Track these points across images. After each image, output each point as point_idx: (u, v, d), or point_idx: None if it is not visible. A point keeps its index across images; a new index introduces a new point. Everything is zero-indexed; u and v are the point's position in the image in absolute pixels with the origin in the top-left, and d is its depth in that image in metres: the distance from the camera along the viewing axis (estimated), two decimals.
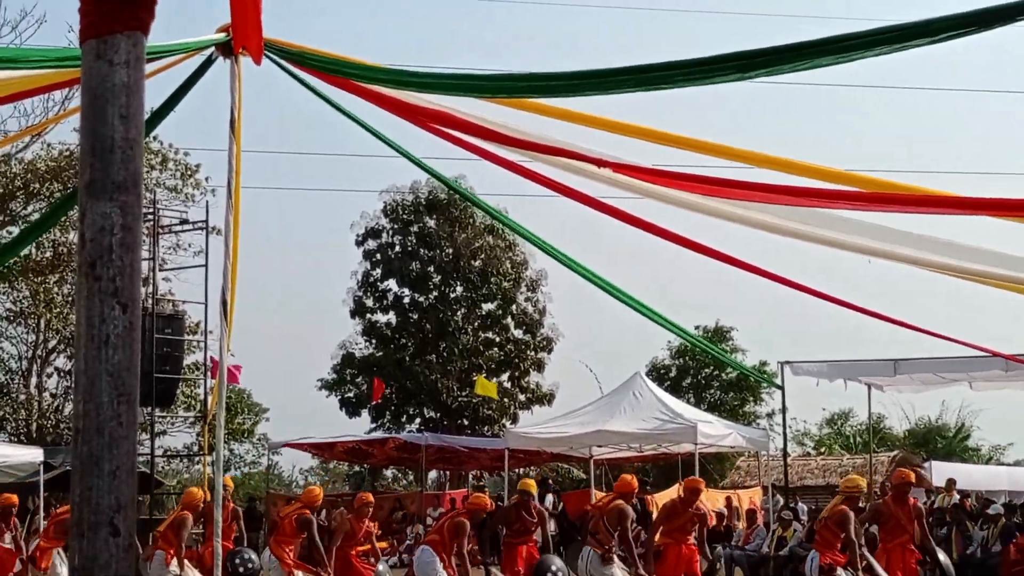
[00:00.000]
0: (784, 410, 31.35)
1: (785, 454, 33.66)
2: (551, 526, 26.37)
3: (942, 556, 17.09)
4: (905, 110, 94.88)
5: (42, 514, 26.41)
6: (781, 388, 29.76)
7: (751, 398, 60.12)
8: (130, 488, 2.45)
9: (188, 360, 39.08)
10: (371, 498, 20.10)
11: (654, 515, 26.36)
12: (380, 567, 18.84)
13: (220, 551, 17.49)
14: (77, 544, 2.45)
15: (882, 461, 40.35)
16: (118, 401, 2.45)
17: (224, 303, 17.79)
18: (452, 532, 16.90)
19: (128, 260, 2.47)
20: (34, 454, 31.16)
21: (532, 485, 19.25)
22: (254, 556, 19.40)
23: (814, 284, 14.27)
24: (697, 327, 57.12)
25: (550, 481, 38.05)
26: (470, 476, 48.28)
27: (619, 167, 10.42)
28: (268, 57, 10.32)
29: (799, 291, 14.40)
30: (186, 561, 18.48)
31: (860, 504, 16.73)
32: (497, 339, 54.05)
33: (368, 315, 54.22)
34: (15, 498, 21.02)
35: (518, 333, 54.37)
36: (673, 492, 30.01)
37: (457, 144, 12.38)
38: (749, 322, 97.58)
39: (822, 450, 58.37)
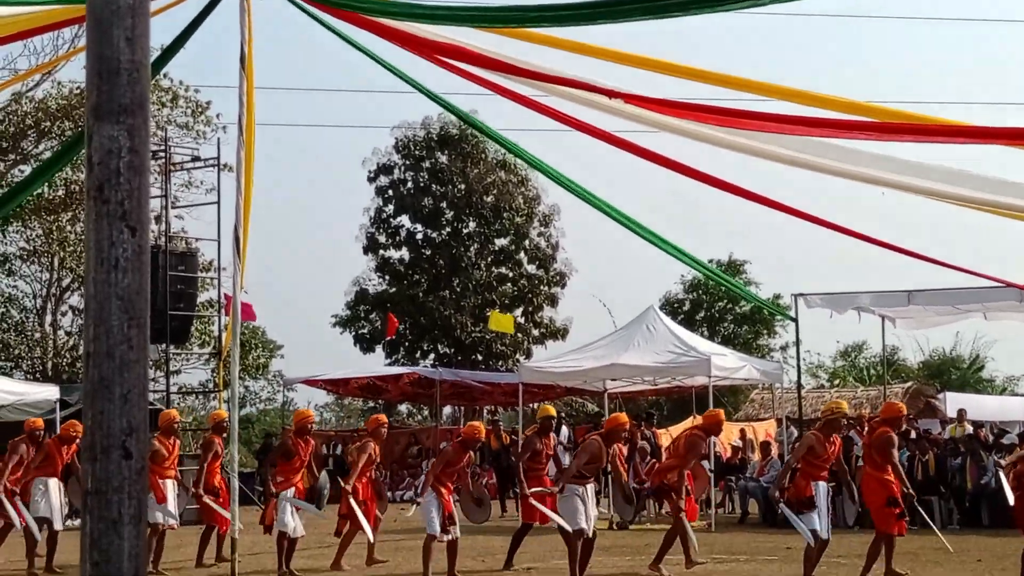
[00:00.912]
0: (798, 342, 31.33)
1: (799, 386, 33.66)
2: (565, 459, 26.47)
3: None
4: (935, 42, 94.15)
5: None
6: (795, 320, 29.71)
7: (765, 331, 60.13)
8: (142, 411, 2.44)
9: (202, 298, 39.11)
10: (385, 419, 20.14)
11: (663, 448, 26.52)
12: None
13: (236, 485, 17.64)
14: (90, 467, 2.45)
15: (896, 393, 40.34)
16: (128, 325, 2.44)
17: (237, 239, 17.83)
18: (443, 463, 17.12)
19: (136, 183, 2.46)
20: (50, 391, 31.31)
21: (552, 410, 19.22)
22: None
23: (828, 217, 14.25)
24: (711, 260, 57.01)
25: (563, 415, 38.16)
26: (484, 411, 48.42)
27: (631, 98, 10.38)
28: None
29: (813, 223, 14.38)
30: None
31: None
32: (510, 274, 54.05)
33: (381, 251, 54.21)
34: (40, 422, 21.16)
35: (531, 268, 54.35)
36: (687, 425, 30.11)
37: (469, 78, 12.34)
38: (763, 255, 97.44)
39: (836, 382, 58.39)
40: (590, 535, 16.08)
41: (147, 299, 2.52)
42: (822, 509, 15.24)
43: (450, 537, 16.72)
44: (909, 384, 45.00)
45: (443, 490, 16.77)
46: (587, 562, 16.18)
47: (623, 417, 17.51)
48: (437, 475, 16.95)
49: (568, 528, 15.97)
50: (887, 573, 15.96)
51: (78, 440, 19.18)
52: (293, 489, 17.70)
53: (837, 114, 10.49)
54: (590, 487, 16.42)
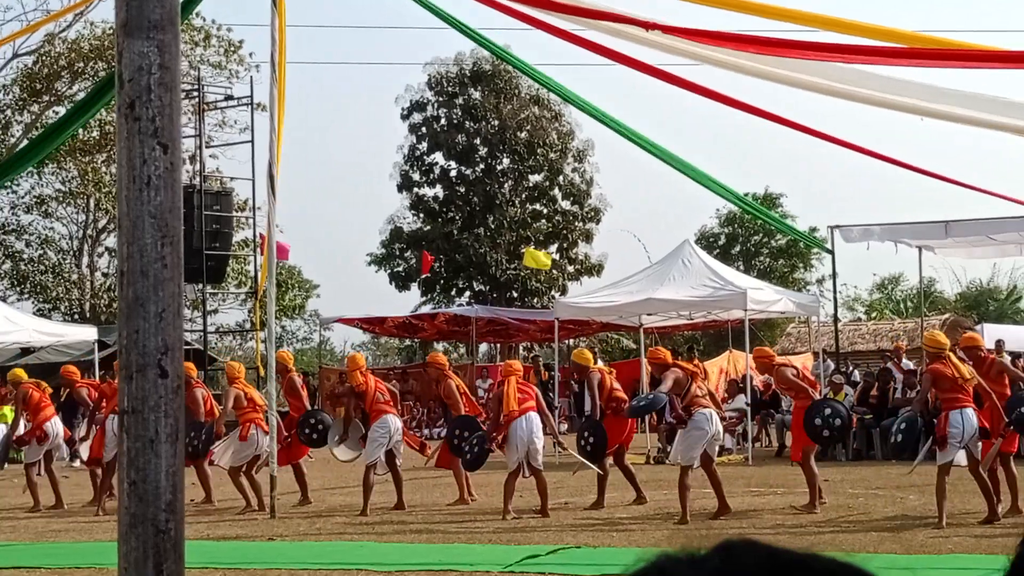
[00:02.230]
0: (834, 275, 31.22)
1: (836, 319, 33.56)
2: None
3: None
4: None
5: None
6: (831, 253, 29.58)
7: (801, 265, 59.89)
8: (177, 330, 2.43)
9: (238, 237, 39.23)
10: (444, 359, 20.18)
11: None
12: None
13: (275, 423, 17.73)
14: (126, 386, 2.44)
15: (933, 325, 40.16)
16: (162, 243, 2.42)
17: (271, 178, 17.84)
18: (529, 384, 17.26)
19: (168, 100, 2.43)
20: (88, 332, 31.52)
21: (586, 353, 19.20)
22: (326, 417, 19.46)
23: (865, 146, 14.13)
24: (747, 194, 56.73)
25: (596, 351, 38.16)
26: (520, 348, 48.48)
27: (668, 29, 10.28)
28: None
29: (850, 150, 14.28)
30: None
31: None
32: (545, 211, 53.93)
33: (415, 189, 54.16)
34: (74, 369, 21.46)
35: (566, 204, 54.19)
36: (723, 359, 30.08)
37: (503, 11, 12.24)
38: (799, 188, 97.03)
39: (873, 315, 58.20)
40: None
41: (180, 217, 2.50)
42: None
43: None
44: (946, 316, 44.79)
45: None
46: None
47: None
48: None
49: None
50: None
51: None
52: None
53: (876, 42, 10.38)
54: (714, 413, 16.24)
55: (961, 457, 14.76)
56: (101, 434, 19.40)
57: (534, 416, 16.76)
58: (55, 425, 20.17)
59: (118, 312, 2.54)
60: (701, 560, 1.03)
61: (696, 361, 29.71)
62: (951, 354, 15.20)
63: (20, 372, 21.07)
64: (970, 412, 14.66)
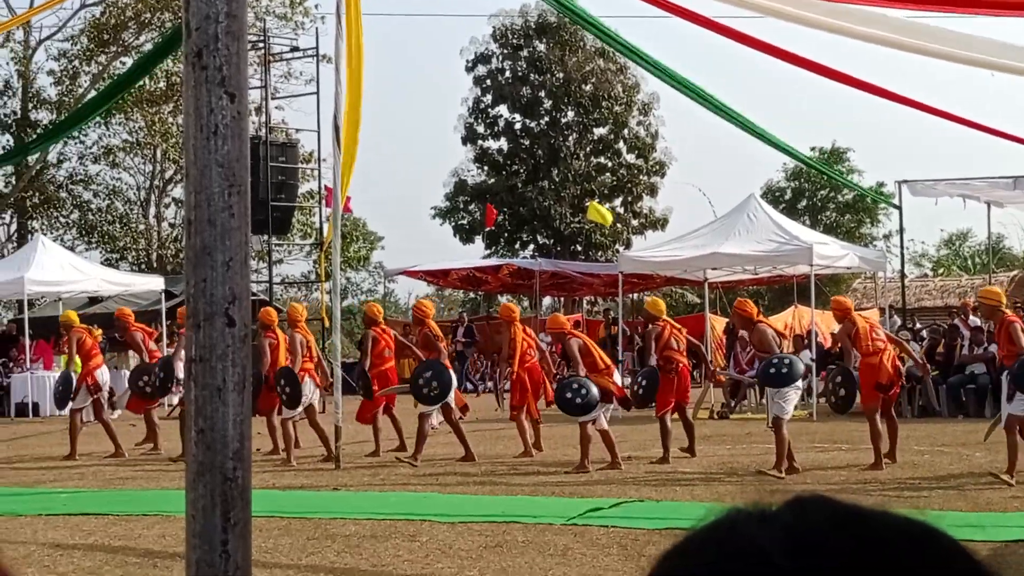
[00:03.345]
0: (901, 230, 30.99)
1: (903, 275, 33.36)
2: None
3: None
4: None
5: (164, 341, 26.93)
6: (899, 208, 29.37)
7: (867, 220, 59.47)
8: (244, 279, 2.43)
9: (303, 189, 39.38)
10: (516, 309, 20.23)
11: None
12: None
13: (340, 374, 17.82)
14: (194, 335, 2.45)
15: (1001, 281, 39.76)
16: (229, 192, 2.42)
17: (336, 130, 17.87)
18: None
19: (235, 49, 2.42)
20: (156, 282, 31.83)
21: (659, 304, 19.18)
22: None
23: (932, 102, 13.97)
24: (813, 148, 56.36)
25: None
26: (584, 301, 48.45)
27: None
28: None
29: (918, 110, 14.11)
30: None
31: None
32: (609, 164, 53.78)
33: (480, 142, 54.15)
34: (128, 311, 21.52)
35: (630, 158, 54.00)
36: (788, 315, 29.94)
37: None
38: (867, 143, 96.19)
39: (940, 271, 57.73)
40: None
41: (247, 166, 2.50)
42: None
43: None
44: (1015, 272, 44.35)
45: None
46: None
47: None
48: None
49: None
50: None
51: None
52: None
53: None
54: None
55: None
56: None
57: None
58: (104, 374, 20.24)
59: (184, 261, 2.55)
60: (772, 515, 1.03)
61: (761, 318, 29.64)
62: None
63: (72, 315, 21.01)
64: None
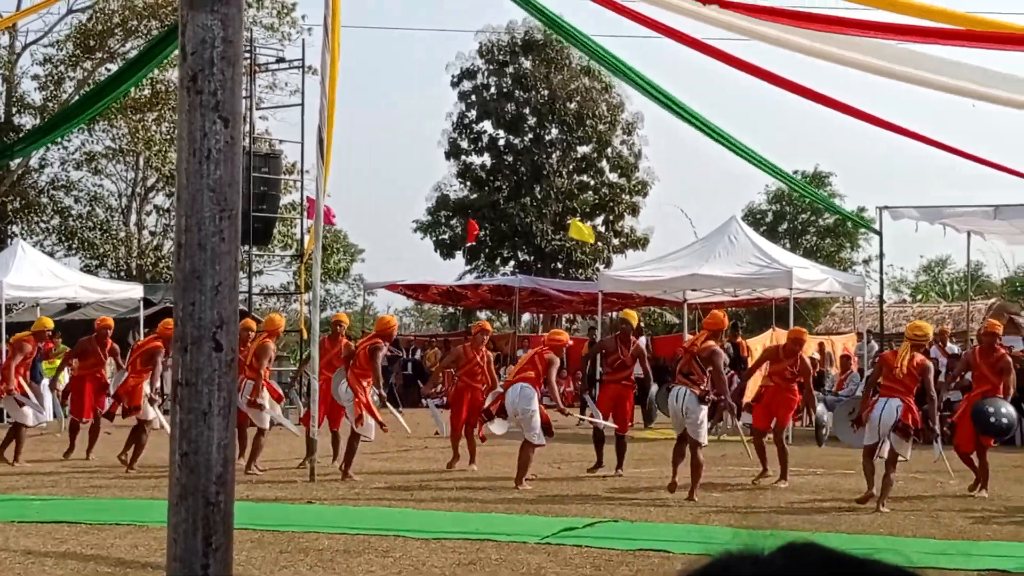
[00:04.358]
0: (881, 255, 31.00)
1: (881, 300, 33.42)
2: None
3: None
4: None
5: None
6: (879, 233, 29.42)
7: (848, 244, 59.64)
8: (232, 303, 2.44)
9: (285, 200, 39.31)
10: (488, 327, 20.28)
11: (748, 360, 26.34)
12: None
13: (317, 386, 17.77)
14: (180, 359, 2.46)
15: (979, 309, 39.91)
16: (220, 216, 2.44)
17: (321, 142, 17.85)
18: (546, 365, 17.06)
19: (229, 74, 2.44)
20: (134, 290, 31.66)
21: (633, 315, 19.25)
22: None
23: (915, 129, 14.02)
24: (795, 172, 56.51)
25: (642, 324, 38.12)
26: (563, 319, 48.47)
27: (725, 4, 10.22)
28: None
29: (899, 135, 14.17)
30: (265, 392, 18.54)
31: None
32: (592, 182, 53.84)
33: (463, 157, 54.18)
34: (110, 320, 21.43)
35: (613, 176, 54.09)
36: (767, 337, 30.00)
37: None
38: (849, 168, 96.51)
39: (918, 297, 57.91)
40: None
41: (239, 191, 2.51)
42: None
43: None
44: (992, 300, 44.51)
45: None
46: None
47: (724, 317, 17.39)
48: (542, 378, 17.19)
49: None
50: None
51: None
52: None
53: (931, 23, 10.29)
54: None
55: None
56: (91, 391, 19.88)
57: (520, 387, 16.97)
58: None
59: (174, 284, 2.55)
60: (766, 561, 1.04)
61: (739, 339, 29.72)
62: None
63: (46, 322, 21.06)
64: None
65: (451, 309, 56.66)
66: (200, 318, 2.43)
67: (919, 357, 15.09)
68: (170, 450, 2.57)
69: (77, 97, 41.84)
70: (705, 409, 15.94)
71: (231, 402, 2.48)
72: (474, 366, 18.88)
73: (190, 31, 2.43)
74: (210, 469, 2.47)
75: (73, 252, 48.49)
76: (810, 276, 26.71)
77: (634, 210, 54.29)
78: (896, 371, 14.96)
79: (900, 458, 14.94)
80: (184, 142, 2.47)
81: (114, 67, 42.82)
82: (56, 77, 46.57)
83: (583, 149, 53.53)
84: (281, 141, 35.34)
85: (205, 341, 2.44)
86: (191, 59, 2.44)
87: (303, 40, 39.21)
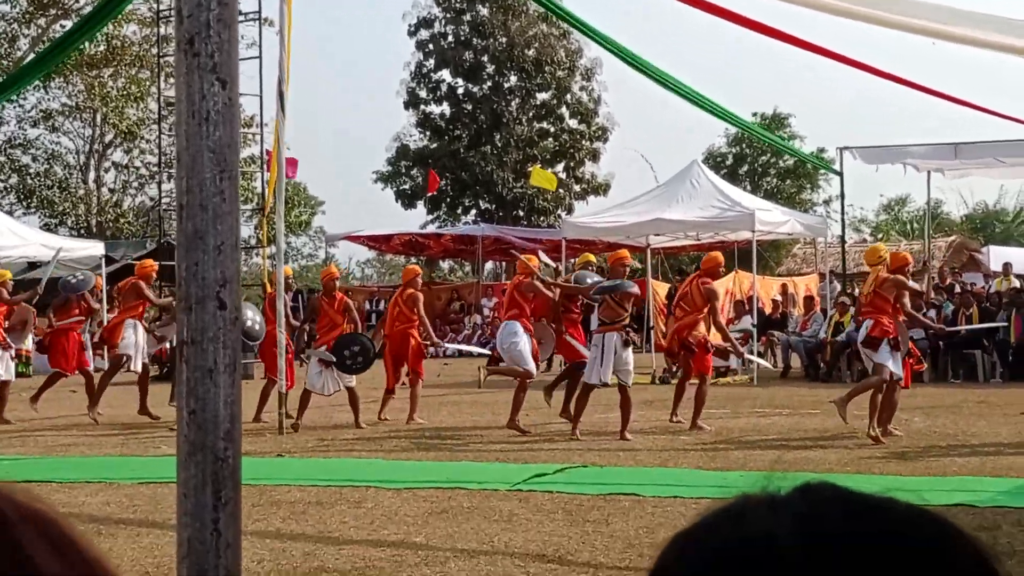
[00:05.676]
0: (842, 196, 31.18)
1: (843, 240, 33.63)
2: None
3: None
4: None
5: (104, 306, 26.74)
6: (839, 174, 29.57)
7: (808, 185, 59.85)
8: (235, 262, 2.48)
9: (244, 153, 39.11)
10: (419, 270, 20.33)
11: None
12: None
13: (283, 341, 17.75)
14: (185, 318, 2.49)
15: (939, 247, 40.22)
16: (220, 177, 2.47)
17: (281, 95, 17.77)
18: (524, 295, 17.24)
19: (226, 36, 2.46)
20: (95, 247, 31.56)
21: (591, 257, 19.45)
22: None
23: (875, 66, 14.08)
24: (755, 114, 56.62)
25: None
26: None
27: None
28: None
29: (859, 70, 14.22)
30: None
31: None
32: (552, 129, 53.82)
33: (422, 106, 54.05)
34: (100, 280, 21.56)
35: (573, 123, 54.09)
36: (729, 280, 30.20)
37: None
38: (807, 108, 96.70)
39: (879, 236, 58.24)
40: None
41: (238, 151, 2.54)
42: None
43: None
44: (953, 238, 44.83)
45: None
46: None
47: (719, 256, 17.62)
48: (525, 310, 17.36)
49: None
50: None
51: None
52: (325, 347, 17.89)
53: None
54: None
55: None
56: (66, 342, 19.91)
57: (507, 324, 17.25)
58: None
59: (176, 245, 2.59)
60: (782, 502, 1.07)
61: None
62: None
63: (5, 273, 20.99)
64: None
65: (414, 259, 56.68)
66: (203, 278, 2.46)
67: (882, 275, 15.47)
68: (176, 407, 2.61)
69: (32, 55, 41.49)
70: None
71: (236, 359, 2.52)
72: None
73: None
74: (217, 425, 2.51)
75: (32, 211, 48.25)
76: (772, 218, 26.85)
77: (595, 156, 54.37)
78: (863, 296, 15.44)
79: (870, 381, 15.30)
80: (183, 104, 2.49)
81: (68, 23, 42.44)
82: (10, 35, 46.15)
83: (542, 96, 53.48)
84: (240, 95, 35.14)
85: (209, 300, 2.48)
86: (187, 22, 2.46)
87: None
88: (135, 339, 19.58)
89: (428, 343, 18.98)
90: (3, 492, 1.07)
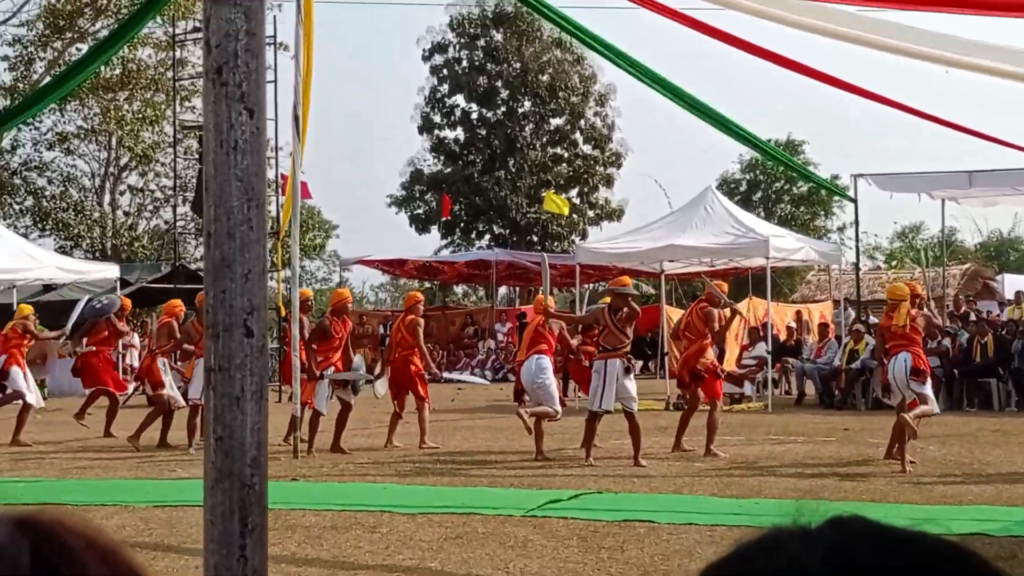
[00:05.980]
0: (857, 223, 31.13)
1: (857, 268, 33.56)
2: None
3: None
4: None
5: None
6: (854, 201, 29.53)
7: (822, 212, 59.79)
8: (262, 290, 2.49)
9: None
10: (421, 296, 20.30)
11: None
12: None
13: (298, 363, 17.75)
14: (213, 345, 2.50)
15: (954, 275, 40.15)
16: (247, 205, 2.48)
17: (296, 119, 17.81)
18: (551, 329, 17.27)
19: (254, 65, 2.48)
20: (111, 270, 31.62)
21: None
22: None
23: (889, 96, 14.09)
24: (769, 140, 56.60)
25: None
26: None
27: None
28: None
29: (874, 101, 14.23)
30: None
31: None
32: (566, 154, 53.87)
33: (436, 131, 54.13)
34: (128, 302, 21.91)
35: (587, 148, 54.14)
36: (742, 307, 30.15)
37: None
38: (822, 135, 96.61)
39: (893, 264, 58.15)
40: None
41: (265, 180, 2.55)
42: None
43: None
44: (967, 266, 44.75)
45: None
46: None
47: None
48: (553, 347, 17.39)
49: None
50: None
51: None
52: (332, 368, 17.89)
53: None
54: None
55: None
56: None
57: (535, 359, 17.04)
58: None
59: (204, 272, 2.60)
60: (814, 535, 1.08)
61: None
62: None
63: (25, 308, 21.28)
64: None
65: (428, 284, 56.73)
66: (231, 305, 2.48)
67: (915, 310, 15.59)
68: (205, 435, 2.62)
69: (48, 78, 41.68)
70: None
71: (263, 387, 2.53)
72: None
73: (214, 24, 2.46)
74: (244, 452, 2.52)
75: (47, 233, 48.38)
76: (786, 245, 26.79)
77: (608, 182, 54.38)
78: (894, 327, 15.45)
79: (927, 408, 15.28)
80: (211, 133, 2.51)
81: (84, 47, 42.63)
82: (26, 58, 46.36)
83: (556, 121, 53.55)
84: None
85: (236, 328, 2.49)
86: (216, 52, 2.48)
87: (274, 16, 39.08)
88: (169, 378, 19.75)
89: (428, 372, 18.93)
90: (70, 525, 1.08)
